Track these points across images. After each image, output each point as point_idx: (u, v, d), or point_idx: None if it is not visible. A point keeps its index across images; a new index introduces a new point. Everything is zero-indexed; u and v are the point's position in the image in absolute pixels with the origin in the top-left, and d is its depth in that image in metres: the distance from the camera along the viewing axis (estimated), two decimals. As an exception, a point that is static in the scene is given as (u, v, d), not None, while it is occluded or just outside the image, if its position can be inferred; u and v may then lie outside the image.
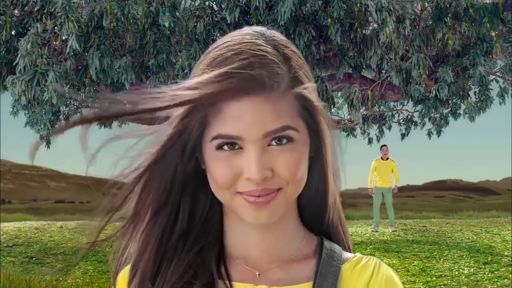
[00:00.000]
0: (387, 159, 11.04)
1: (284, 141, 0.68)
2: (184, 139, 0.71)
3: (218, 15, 7.32)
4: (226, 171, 0.68)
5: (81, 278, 6.77)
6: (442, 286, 6.60)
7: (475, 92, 9.58)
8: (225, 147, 0.68)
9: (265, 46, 0.68)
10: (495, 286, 6.47)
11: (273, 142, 0.68)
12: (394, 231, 10.90)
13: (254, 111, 0.66)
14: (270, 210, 0.69)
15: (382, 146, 11.33)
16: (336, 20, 6.94)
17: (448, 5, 7.74)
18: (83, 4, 7.46)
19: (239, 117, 0.66)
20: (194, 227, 0.78)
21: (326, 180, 0.78)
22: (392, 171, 11.00)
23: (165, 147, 0.72)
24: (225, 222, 0.79)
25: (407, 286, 6.56)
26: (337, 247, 0.79)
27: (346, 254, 0.79)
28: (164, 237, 0.76)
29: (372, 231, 11.00)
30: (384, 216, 11.71)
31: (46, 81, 6.69)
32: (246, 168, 0.67)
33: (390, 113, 12.75)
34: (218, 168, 0.69)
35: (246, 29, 0.72)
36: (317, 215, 0.80)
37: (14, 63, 6.84)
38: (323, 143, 0.74)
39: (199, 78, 0.67)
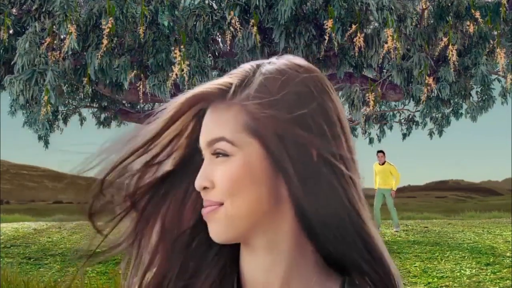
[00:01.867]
0: (384, 163, 11.07)
1: (219, 153, 0.65)
2: (189, 150, 0.71)
3: (217, 14, 7.27)
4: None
5: (80, 279, 6.71)
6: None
7: (477, 91, 9.53)
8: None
9: (250, 65, 0.68)
10: (497, 287, 6.42)
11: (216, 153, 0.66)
12: (396, 231, 10.85)
13: (205, 121, 0.67)
14: (215, 225, 0.66)
15: (378, 152, 11.36)
16: (337, 19, 6.89)
17: (449, 4, 7.69)
18: (82, 3, 7.40)
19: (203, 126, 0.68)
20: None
21: (333, 204, 0.64)
22: (392, 174, 11.03)
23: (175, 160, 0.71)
24: None
25: (408, 287, 6.51)
26: None
27: None
28: (183, 247, 0.72)
29: (373, 231, 10.96)
30: (385, 217, 11.68)
31: (44, 80, 6.64)
32: None
33: (391, 113, 12.73)
34: None
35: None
36: (337, 242, 0.65)
37: (12, 62, 6.80)
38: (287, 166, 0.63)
39: None
